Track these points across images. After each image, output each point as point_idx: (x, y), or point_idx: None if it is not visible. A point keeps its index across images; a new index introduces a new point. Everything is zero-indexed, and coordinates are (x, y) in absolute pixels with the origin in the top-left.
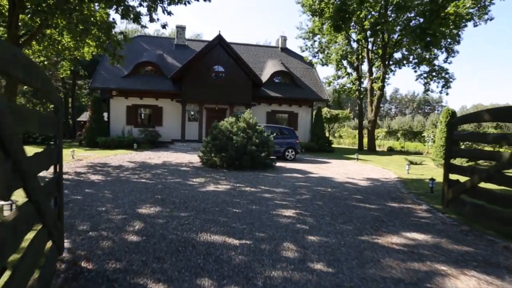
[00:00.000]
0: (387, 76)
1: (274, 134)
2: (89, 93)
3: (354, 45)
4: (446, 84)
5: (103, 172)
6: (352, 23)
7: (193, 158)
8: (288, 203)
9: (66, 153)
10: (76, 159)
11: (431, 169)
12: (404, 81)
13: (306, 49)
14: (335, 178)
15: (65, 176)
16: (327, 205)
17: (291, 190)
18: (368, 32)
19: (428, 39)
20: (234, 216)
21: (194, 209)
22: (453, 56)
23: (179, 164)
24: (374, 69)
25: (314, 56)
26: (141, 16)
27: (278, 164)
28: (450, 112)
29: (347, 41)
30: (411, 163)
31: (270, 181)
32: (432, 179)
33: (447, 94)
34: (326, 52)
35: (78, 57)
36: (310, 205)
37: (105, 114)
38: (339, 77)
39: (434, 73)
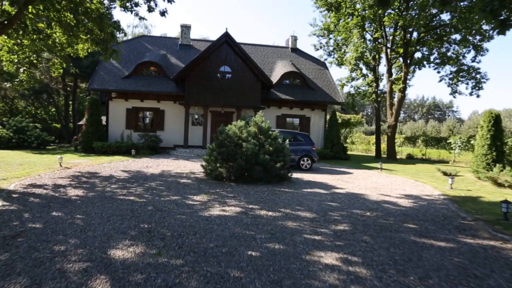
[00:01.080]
0: (408, 77)
1: (287, 140)
2: (87, 94)
3: (370, 45)
4: (478, 85)
5: (88, 184)
6: (368, 22)
7: (196, 167)
8: (323, 239)
9: (54, 159)
10: (64, 167)
11: (473, 182)
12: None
13: (321, 47)
14: (367, 196)
15: (38, 191)
16: (379, 243)
17: (321, 215)
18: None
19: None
20: (250, 265)
21: (192, 251)
22: (482, 55)
23: (179, 174)
24: (393, 70)
25: (329, 55)
26: (139, 5)
27: (294, 175)
28: (493, 115)
29: (362, 40)
30: (445, 174)
31: (290, 200)
32: (507, 202)
33: (478, 96)
34: (343, 50)
35: (72, 54)
36: (355, 242)
37: (104, 118)
38: (353, 79)
39: (463, 73)
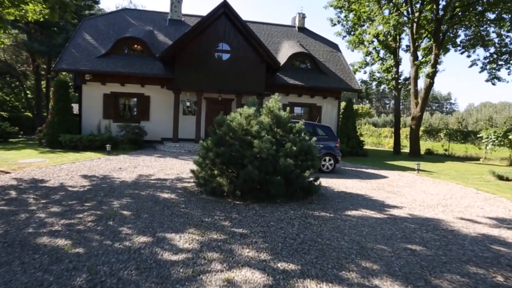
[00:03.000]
0: (438, 59)
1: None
2: (52, 76)
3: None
4: None
5: (12, 205)
6: None
7: (186, 169)
8: None
9: (4, 157)
10: (3, 171)
11: None
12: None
13: (338, 21)
14: (446, 223)
15: None
16: None
17: (414, 286)
18: None
19: None
20: None
21: None
22: None
23: (161, 183)
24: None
25: (349, 32)
26: None
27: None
28: None
29: (395, 10)
30: (501, 178)
31: (341, 241)
32: None
33: None
34: (365, 27)
35: (19, 18)
36: None
37: (77, 106)
38: (366, 64)
39: (505, 56)
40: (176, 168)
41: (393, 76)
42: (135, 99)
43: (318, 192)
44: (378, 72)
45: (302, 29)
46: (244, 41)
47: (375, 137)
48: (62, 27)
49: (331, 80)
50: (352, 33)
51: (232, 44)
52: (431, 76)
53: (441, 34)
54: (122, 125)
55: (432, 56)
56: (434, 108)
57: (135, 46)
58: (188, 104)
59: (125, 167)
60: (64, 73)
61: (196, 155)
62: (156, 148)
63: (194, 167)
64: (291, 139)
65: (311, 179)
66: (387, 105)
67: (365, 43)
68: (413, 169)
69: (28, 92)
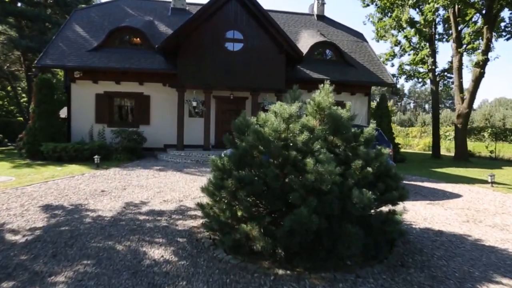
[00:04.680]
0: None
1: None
2: (34, 74)
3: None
4: None
5: None
6: None
7: (193, 191)
8: None
9: None
10: None
11: None
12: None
13: (372, 1)
14: None
15: None
16: None
17: None
18: None
19: None
20: None
21: None
22: None
23: (154, 220)
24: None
25: (384, 13)
26: None
27: None
28: None
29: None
30: None
31: None
32: None
33: None
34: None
35: None
36: None
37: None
38: (394, 56)
39: None
40: (179, 189)
41: (429, 67)
42: (133, 100)
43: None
44: (408, 65)
45: (322, 17)
46: (259, 28)
47: (401, 137)
48: (55, 21)
49: (360, 73)
50: (389, 15)
51: (245, 31)
52: (482, 65)
53: (494, 14)
54: (117, 131)
55: (482, 41)
56: (447, 105)
57: (132, 37)
58: (194, 104)
59: (111, 189)
60: (61, 73)
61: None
62: (157, 158)
63: (204, 199)
64: (363, 154)
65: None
66: (399, 103)
67: (393, 31)
68: (481, 181)
69: (24, 95)
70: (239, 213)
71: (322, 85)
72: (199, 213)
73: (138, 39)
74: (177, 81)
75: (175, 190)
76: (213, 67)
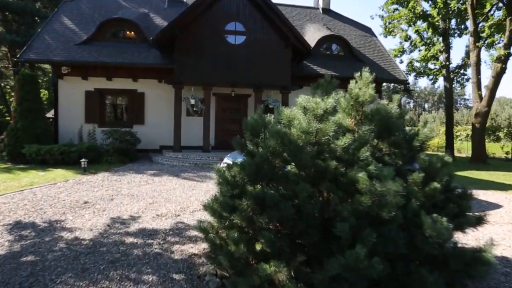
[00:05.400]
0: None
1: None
2: (16, 70)
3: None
4: None
5: None
6: None
7: (192, 201)
8: None
9: None
10: None
11: None
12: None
13: None
14: None
15: None
16: None
17: None
18: None
19: None
20: None
21: None
22: None
23: (145, 245)
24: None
25: (401, 3)
26: None
27: None
28: None
29: None
30: None
31: None
32: None
33: None
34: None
35: None
36: None
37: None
38: (403, 52)
39: None
40: (175, 199)
41: (443, 63)
42: (126, 98)
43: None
44: (418, 61)
45: (327, 11)
46: (264, 20)
47: None
48: (44, 15)
49: (370, 69)
50: (404, 4)
51: (248, 23)
52: (504, 60)
53: None
54: (109, 131)
55: (506, 34)
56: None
57: (125, 30)
58: (193, 102)
59: (96, 200)
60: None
61: (203, 170)
62: (152, 160)
63: (207, 216)
64: (425, 163)
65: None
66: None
67: (402, 26)
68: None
69: (13, 93)
70: (258, 247)
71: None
72: (200, 234)
73: (132, 31)
74: (173, 77)
75: (171, 200)
76: (213, 61)
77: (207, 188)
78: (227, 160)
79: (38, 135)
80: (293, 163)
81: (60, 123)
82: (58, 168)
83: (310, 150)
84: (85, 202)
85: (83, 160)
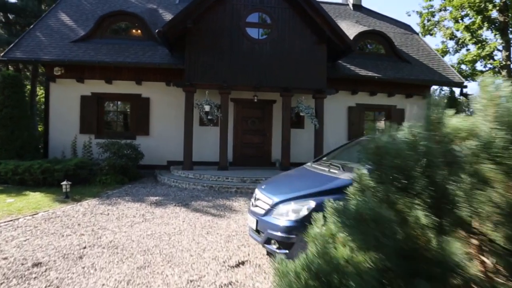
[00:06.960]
0: None
1: None
2: None
3: None
4: None
5: None
6: None
7: (209, 263)
8: None
9: None
10: None
11: None
12: None
13: None
14: None
15: None
16: None
17: None
18: None
19: None
20: None
21: None
22: None
23: None
24: None
25: None
26: None
27: None
28: None
29: None
30: None
31: None
32: None
33: None
34: None
35: None
36: None
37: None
38: (446, 52)
39: None
40: (181, 257)
41: (501, 63)
42: (128, 104)
43: None
44: (464, 63)
45: (359, 7)
46: (291, 9)
47: None
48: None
49: (417, 70)
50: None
51: (273, 14)
52: None
53: None
54: (105, 143)
55: None
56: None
57: (129, 25)
58: (207, 108)
59: (55, 258)
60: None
61: (221, 195)
62: (157, 180)
63: None
64: None
65: None
66: None
67: (446, 23)
68: None
69: None
70: None
71: None
72: None
73: (136, 27)
74: (184, 79)
75: (174, 260)
76: (232, 59)
77: (229, 231)
78: (264, 195)
79: (20, 148)
80: None
81: (51, 133)
82: (37, 191)
83: None
84: (35, 265)
85: (64, 182)
